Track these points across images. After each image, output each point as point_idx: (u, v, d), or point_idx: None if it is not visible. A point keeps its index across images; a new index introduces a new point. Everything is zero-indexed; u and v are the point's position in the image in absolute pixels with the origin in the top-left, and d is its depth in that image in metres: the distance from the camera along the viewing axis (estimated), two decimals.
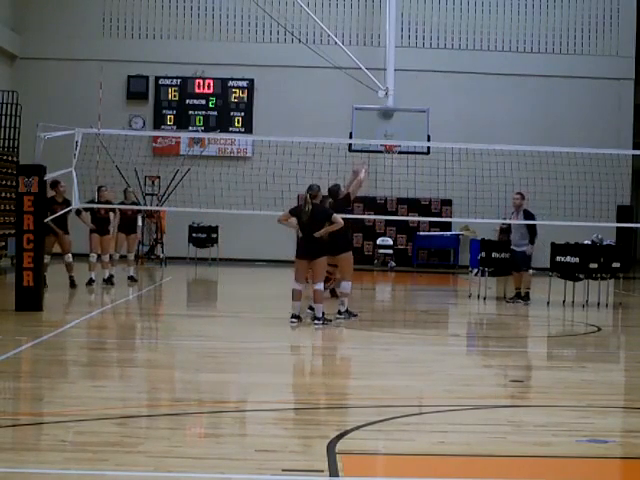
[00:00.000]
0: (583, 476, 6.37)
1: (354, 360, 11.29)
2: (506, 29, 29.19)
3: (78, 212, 17.89)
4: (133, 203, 19.88)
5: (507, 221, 17.83)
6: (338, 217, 13.36)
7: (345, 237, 14.10)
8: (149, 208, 17.27)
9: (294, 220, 13.66)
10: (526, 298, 17.71)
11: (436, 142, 21.21)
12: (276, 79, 28.62)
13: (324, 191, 14.18)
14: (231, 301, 18.28)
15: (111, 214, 18.94)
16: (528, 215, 17.44)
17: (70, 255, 17.87)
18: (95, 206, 18.05)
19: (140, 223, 19.08)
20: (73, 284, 18.03)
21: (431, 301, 19.64)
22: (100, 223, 18.67)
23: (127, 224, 19.57)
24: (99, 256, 18.67)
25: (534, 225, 17.46)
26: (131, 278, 19.77)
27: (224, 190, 19.66)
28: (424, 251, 28.68)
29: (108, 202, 18.56)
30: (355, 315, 14.50)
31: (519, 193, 17.69)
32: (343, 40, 27.10)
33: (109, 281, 18.80)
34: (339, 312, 14.15)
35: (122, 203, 19.38)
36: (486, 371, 10.62)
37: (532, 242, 17.48)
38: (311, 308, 13.90)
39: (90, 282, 18.45)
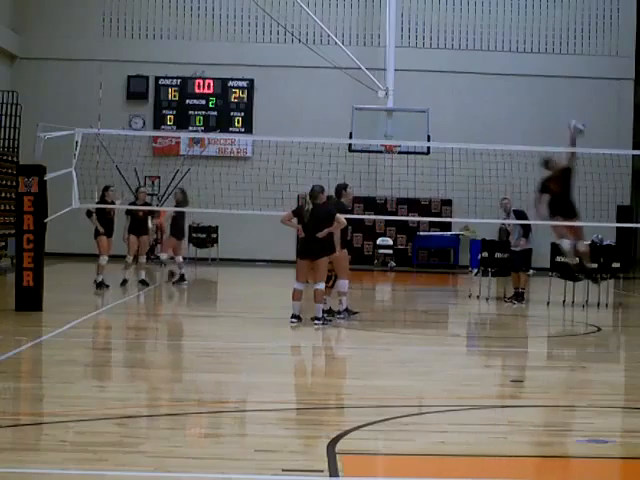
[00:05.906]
0: (583, 476, 6.37)
1: (354, 360, 11.29)
2: (506, 29, 29.16)
3: (89, 213, 17.77)
4: (145, 204, 19.24)
5: (507, 221, 17.81)
6: (341, 217, 13.33)
7: (342, 236, 14.04)
8: (153, 208, 17.11)
9: (296, 220, 13.65)
10: (520, 298, 17.67)
11: (436, 142, 21.19)
12: (276, 79, 28.60)
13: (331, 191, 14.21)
14: (231, 301, 18.26)
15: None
16: (519, 214, 17.43)
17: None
18: (106, 206, 17.56)
19: (150, 225, 18.15)
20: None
21: (431, 301, 19.62)
22: (108, 225, 18.00)
23: (138, 226, 18.57)
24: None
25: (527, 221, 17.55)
26: (142, 282, 18.84)
27: (224, 190, 19.62)
28: (424, 251, 28.65)
29: (112, 203, 17.97)
30: (355, 313, 14.47)
31: (506, 198, 17.71)
32: (343, 40, 27.06)
33: (125, 283, 18.36)
34: (338, 312, 14.11)
35: (133, 204, 18.64)
36: (486, 371, 10.62)
37: (526, 237, 17.54)
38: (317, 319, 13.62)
39: (101, 285, 17.85)
